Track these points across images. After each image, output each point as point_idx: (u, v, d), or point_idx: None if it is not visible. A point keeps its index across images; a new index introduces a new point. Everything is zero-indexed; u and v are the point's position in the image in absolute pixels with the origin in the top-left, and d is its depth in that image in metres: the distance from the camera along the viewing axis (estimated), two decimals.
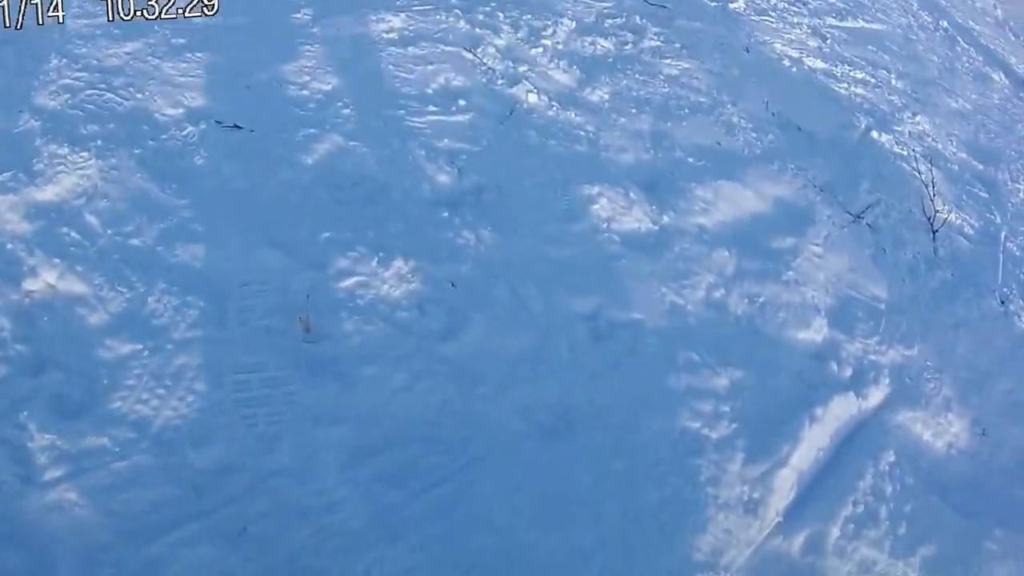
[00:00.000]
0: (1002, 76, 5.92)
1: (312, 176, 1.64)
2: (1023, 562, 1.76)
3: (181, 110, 1.73)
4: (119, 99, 1.72)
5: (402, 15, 2.11)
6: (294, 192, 1.59)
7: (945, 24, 6.22)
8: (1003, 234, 2.83)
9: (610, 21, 2.45)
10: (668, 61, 2.37)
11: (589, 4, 2.53)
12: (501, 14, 2.21)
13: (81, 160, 1.57)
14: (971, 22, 8.38)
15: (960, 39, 6.05)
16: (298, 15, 2.07)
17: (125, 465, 1.26)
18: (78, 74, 1.76)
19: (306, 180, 1.62)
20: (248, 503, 1.27)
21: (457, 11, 2.19)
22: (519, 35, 2.15)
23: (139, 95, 1.75)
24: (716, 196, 1.89)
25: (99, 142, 1.62)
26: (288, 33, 2.01)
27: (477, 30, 2.12)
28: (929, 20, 6.05)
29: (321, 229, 1.53)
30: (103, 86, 1.75)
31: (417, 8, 2.16)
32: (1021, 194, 3.42)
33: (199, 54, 1.90)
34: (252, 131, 1.71)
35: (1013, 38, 11.97)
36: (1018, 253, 2.74)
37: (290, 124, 1.75)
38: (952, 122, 3.74)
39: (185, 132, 1.69)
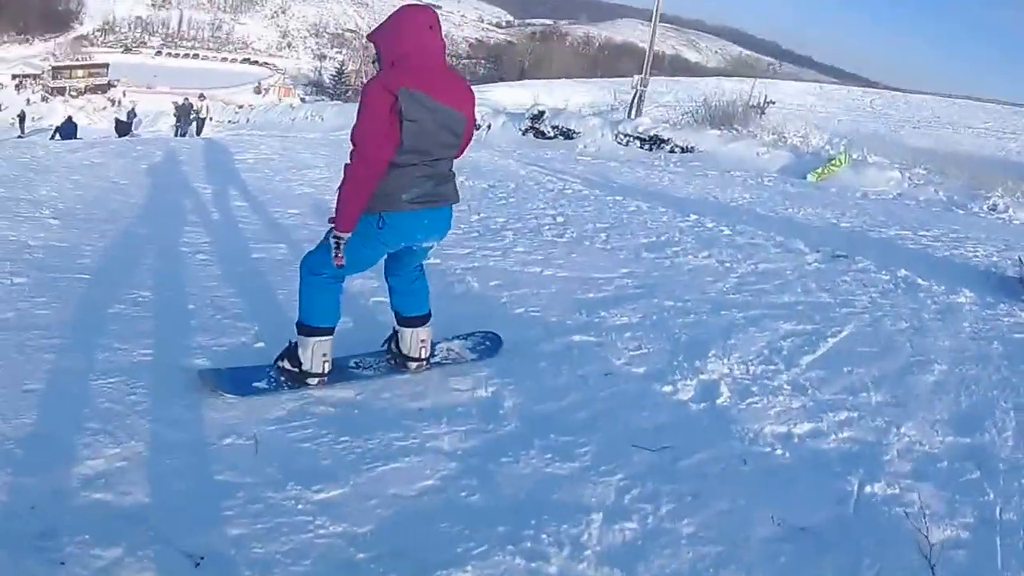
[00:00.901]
0: (967, 292, 6.31)
1: None
2: None
3: None
4: None
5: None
6: None
7: (902, 272, 6.72)
8: (998, 508, 3.07)
9: (628, 496, 2.91)
10: (686, 521, 2.78)
11: (607, 483, 3.00)
12: (545, 535, 2.64)
13: None
14: (922, 233, 8.97)
15: (919, 280, 6.51)
16: None
17: None
18: None
19: None
20: None
21: (510, 547, 2.58)
22: (564, 553, 2.57)
23: None
24: None
25: None
26: None
27: (533, 564, 2.54)
28: (887, 278, 6.55)
29: None
30: None
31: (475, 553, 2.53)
32: (1010, 441, 3.67)
33: None
34: None
35: (960, 212, 12.71)
36: (1015, 518, 3.01)
37: None
38: (933, 404, 4.05)
39: None
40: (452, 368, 3.93)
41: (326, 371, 3.47)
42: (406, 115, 2.98)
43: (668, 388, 3.88)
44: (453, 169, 3.36)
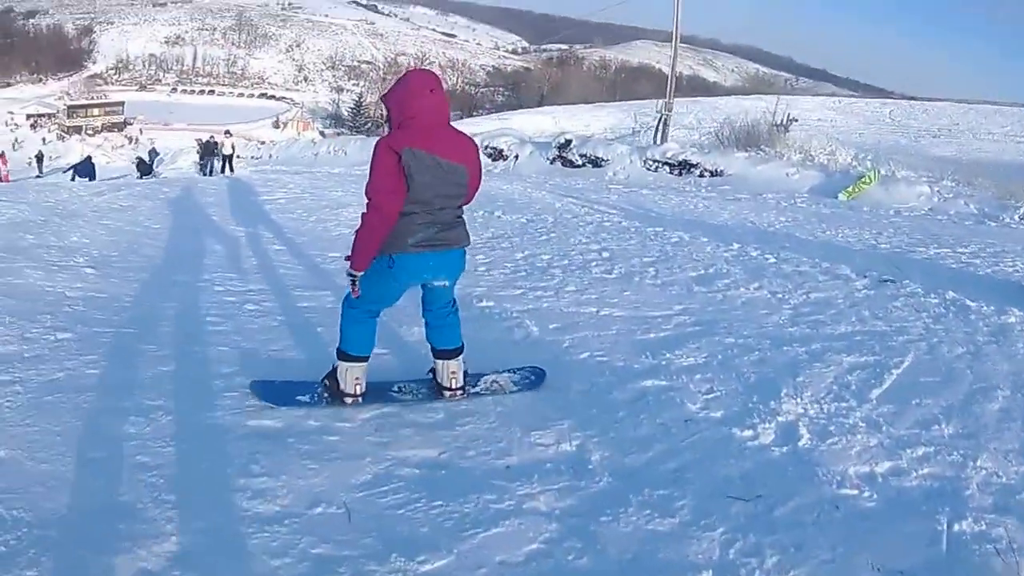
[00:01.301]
0: (1016, 311, 6.23)
1: None
2: None
3: None
4: None
5: None
6: None
7: (950, 295, 6.66)
8: None
9: (732, 551, 2.92)
10: (792, 574, 2.79)
11: (709, 538, 3.01)
12: None
13: None
14: (960, 250, 8.90)
15: (968, 301, 6.46)
16: None
17: None
18: None
19: None
20: None
21: None
22: None
23: None
24: None
25: None
26: None
27: None
28: (936, 301, 6.50)
29: None
30: None
31: None
32: None
33: None
34: None
35: (992, 224, 12.49)
36: None
37: None
38: (1002, 432, 4.02)
39: None
40: (530, 420, 3.95)
41: (358, 393, 3.86)
42: (408, 172, 3.35)
43: (749, 432, 3.90)
44: (462, 216, 3.70)
